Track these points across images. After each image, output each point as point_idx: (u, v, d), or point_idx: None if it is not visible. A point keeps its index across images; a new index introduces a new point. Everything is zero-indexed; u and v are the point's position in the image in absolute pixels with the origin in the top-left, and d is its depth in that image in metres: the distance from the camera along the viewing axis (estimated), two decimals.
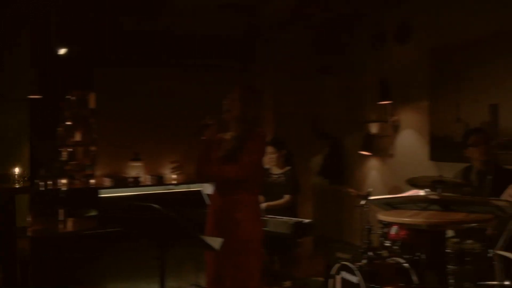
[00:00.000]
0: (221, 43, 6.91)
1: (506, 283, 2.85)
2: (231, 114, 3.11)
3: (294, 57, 6.35)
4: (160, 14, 5.86)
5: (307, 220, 4.44)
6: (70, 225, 4.60)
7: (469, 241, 3.63)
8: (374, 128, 6.14)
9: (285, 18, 6.04)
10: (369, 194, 4.27)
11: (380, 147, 6.00)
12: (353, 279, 3.64)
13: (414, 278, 3.59)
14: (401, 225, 3.77)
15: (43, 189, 6.30)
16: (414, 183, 3.92)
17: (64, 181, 6.51)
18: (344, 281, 3.75)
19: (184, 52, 6.89)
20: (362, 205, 4.50)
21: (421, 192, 3.81)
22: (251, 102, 3.11)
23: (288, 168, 4.99)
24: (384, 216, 3.02)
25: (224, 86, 3.23)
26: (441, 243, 3.24)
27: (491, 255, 3.33)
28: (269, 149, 4.92)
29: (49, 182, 6.44)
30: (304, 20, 6.11)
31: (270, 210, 4.70)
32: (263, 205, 4.70)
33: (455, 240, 3.67)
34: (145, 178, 7.02)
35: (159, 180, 6.94)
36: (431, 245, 3.43)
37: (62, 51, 6.06)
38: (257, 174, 3.16)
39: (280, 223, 4.32)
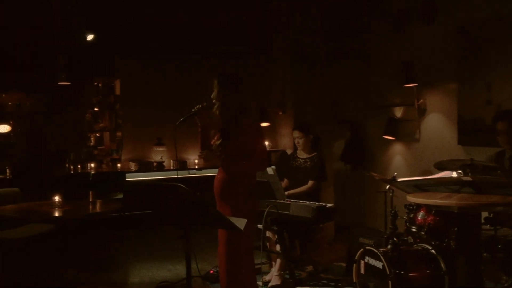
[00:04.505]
0: (238, 30, 6.88)
1: None
2: (216, 105, 3.21)
3: (312, 42, 6.21)
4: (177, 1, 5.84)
5: (329, 205, 4.35)
6: (98, 206, 4.70)
7: (501, 228, 3.49)
8: (398, 112, 5.98)
9: (301, 2, 5.90)
10: (394, 178, 4.15)
11: (405, 131, 5.83)
12: (378, 264, 3.54)
13: (442, 265, 3.46)
14: (428, 210, 3.64)
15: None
16: (443, 167, 3.78)
17: (92, 165, 6.68)
18: (368, 266, 3.65)
19: (202, 39, 6.98)
20: (387, 190, 4.39)
21: (454, 174, 3.65)
22: (230, 90, 3.18)
23: (314, 153, 4.88)
24: (414, 198, 2.89)
25: (242, 72, 3.33)
26: (475, 228, 3.08)
27: None
28: (296, 133, 4.84)
29: (79, 166, 6.61)
30: (321, 3, 5.96)
31: (292, 196, 4.62)
32: (285, 192, 4.62)
33: (486, 227, 3.53)
34: (169, 162, 7.04)
35: (182, 165, 6.96)
36: (462, 231, 3.27)
37: (89, 37, 6.10)
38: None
39: (302, 207, 4.23)
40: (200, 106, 3.21)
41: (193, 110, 3.23)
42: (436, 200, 2.63)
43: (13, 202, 4.87)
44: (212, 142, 3.32)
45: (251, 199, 3.23)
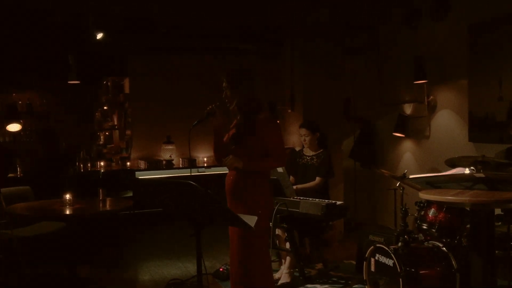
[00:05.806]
0: (248, 28, 6.85)
1: None
2: (229, 103, 3.19)
3: (322, 39, 6.17)
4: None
5: (339, 202, 4.33)
6: (108, 204, 4.73)
7: None
8: (408, 109, 5.95)
9: None
10: (405, 175, 4.12)
11: (415, 128, 5.79)
12: (388, 262, 3.52)
13: (454, 263, 3.44)
14: (439, 208, 3.62)
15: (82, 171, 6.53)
16: (454, 164, 3.75)
17: (102, 163, 6.70)
18: (379, 264, 3.63)
19: (212, 38, 6.93)
20: (397, 187, 4.37)
21: (466, 171, 3.62)
22: (239, 86, 3.15)
23: (321, 150, 4.87)
24: (426, 195, 2.86)
25: (253, 70, 3.32)
26: (488, 225, 3.05)
27: None
28: (303, 131, 4.83)
29: (88, 164, 6.64)
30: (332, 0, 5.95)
31: (300, 192, 4.61)
32: (293, 187, 4.61)
33: (497, 224, 3.50)
34: (178, 160, 7.06)
35: (192, 163, 6.97)
36: (475, 228, 3.25)
37: (99, 35, 6.10)
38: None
39: (311, 204, 4.21)
40: (213, 105, 3.17)
41: (206, 111, 3.19)
42: (449, 196, 2.61)
43: (24, 200, 4.91)
44: (224, 140, 3.27)
45: (265, 196, 3.19)
